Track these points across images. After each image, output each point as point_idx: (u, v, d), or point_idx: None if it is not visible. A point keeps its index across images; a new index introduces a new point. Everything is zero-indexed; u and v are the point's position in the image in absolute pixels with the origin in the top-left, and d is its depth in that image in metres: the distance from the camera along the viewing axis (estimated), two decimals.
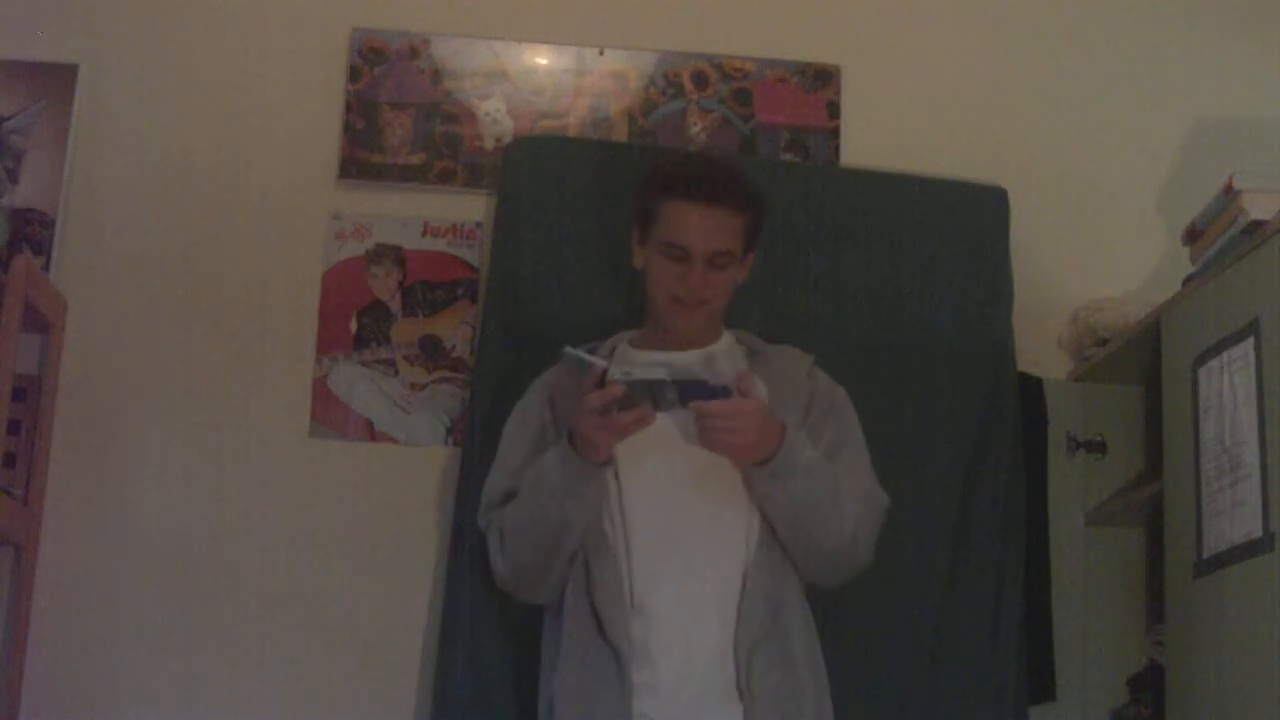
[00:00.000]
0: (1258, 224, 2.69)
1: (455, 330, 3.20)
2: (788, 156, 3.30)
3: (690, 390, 2.41)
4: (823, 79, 3.36)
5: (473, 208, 3.25)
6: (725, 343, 2.71)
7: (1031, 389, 3.19)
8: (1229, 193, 2.77)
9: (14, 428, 2.97)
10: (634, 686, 2.47)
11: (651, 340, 2.70)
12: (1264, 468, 2.50)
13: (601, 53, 3.34)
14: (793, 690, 2.50)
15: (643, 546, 2.52)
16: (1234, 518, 2.56)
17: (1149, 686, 3.00)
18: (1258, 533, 2.50)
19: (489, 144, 3.27)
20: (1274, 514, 2.46)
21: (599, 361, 2.44)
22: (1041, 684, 3.06)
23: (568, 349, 2.46)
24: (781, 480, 2.48)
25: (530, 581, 2.59)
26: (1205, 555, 2.65)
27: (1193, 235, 2.94)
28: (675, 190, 2.60)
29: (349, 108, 3.26)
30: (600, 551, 2.53)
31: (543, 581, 2.57)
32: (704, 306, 2.61)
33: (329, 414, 3.14)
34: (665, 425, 2.48)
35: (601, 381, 2.39)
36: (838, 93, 3.35)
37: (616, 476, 2.54)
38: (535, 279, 3.11)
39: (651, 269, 2.63)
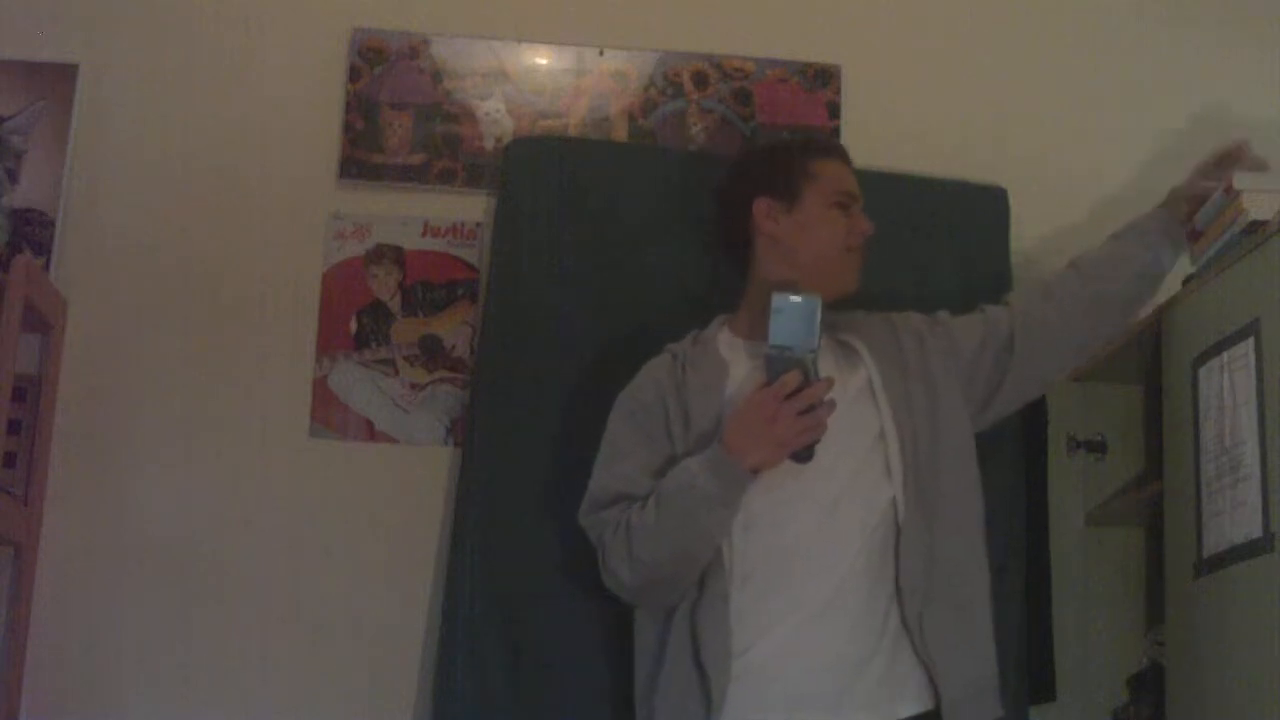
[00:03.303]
0: (1258, 224, 2.69)
1: (455, 330, 3.20)
2: None
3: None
4: (823, 79, 3.36)
5: (473, 208, 3.25)
6: None
7: None
8: (1229, 193, 2.77)
9: (14, 428, 2.97)
10: (724, 711, 2.44)
11: (747, 329, 2.69)
12: (1264, 468, 2.49)
13: (601, 53, 3.34)
14: (970, 638, 2.53)
15: (751, 564, 2.50)
16: (1234, 518, 2.56)
17: (1149, 686, 3.00)
18: (1258, 533, 2.49)
19: (489, 144, 3.27)
20: (1274, 514, 2.46)
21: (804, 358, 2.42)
22: (1041, 684, 3.06)
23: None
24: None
25: (661, 592, 2.55)
26: (1205, 555, 2.64)
27: (1193, 235, 2.94)
28: (825, 151, 2.79)
29: (349, 108, 3.26)
30: (712, 566, 2.50)
31: (673, 592, 2.53)
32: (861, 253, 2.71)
33: (329, 414, 3.14)
34: None
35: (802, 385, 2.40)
36: (838, 93, 3.35)
37: None
38: (535, 279, 3.10)
39: (817, 228, 2.68)
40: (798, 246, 2.68)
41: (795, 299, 2.42)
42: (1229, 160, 2.78)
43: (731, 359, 2.67)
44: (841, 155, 2.79)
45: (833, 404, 2.44)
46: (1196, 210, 2.79)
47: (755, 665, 2.47)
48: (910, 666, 2.49)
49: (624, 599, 2.63)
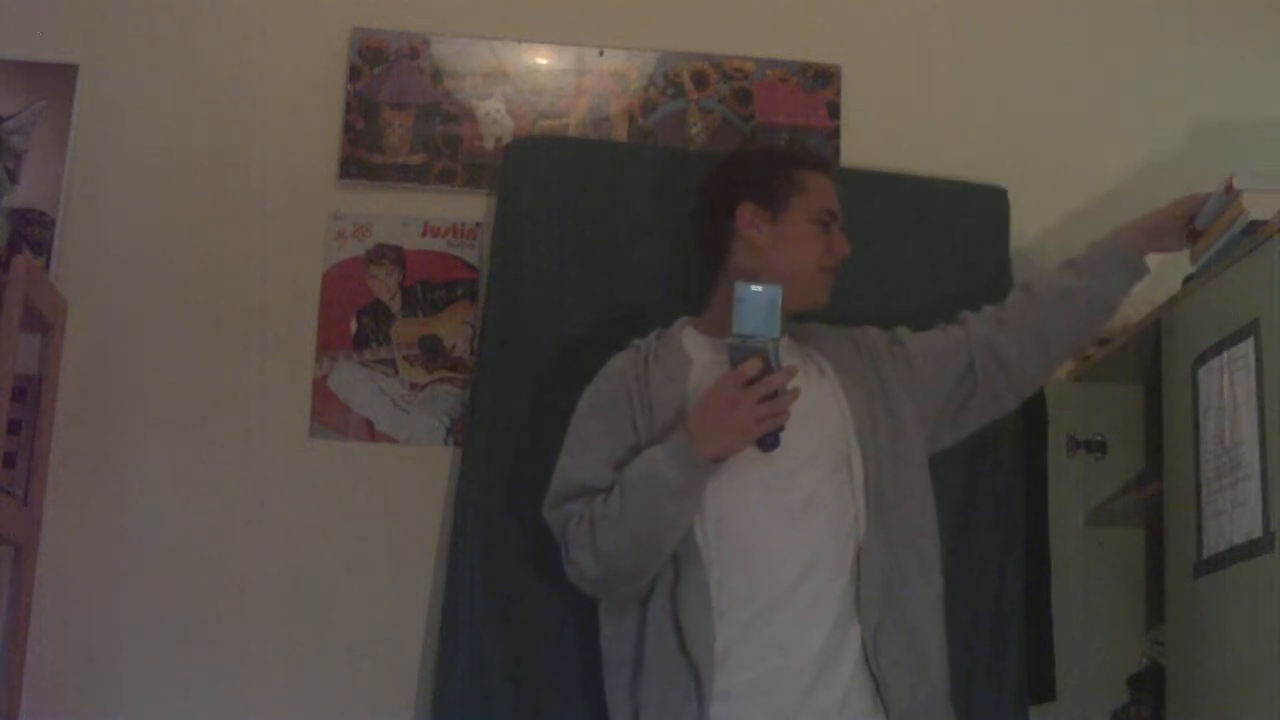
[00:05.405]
0: (1258, 224, 2.69)
1: (455, 330, 3.20)
2: None
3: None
4: (823, 79, 3.36)
5: (473, 208, 3.25)
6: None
7: None
8: (1229, 193, 2.77)
9: (14, 428, 2.97)
10: (712, 697, 2.44)
11: (713, 327, 2.68)
12: (1264, 468, 2.49)
13: (601, 53, 3.34)
14: (918, 658, 2.51)
15: (733, 550, 2.50)
16: (1234, 518, 2.56)
17: (1149, 686, 3.00)
18: (1258, 533, 2.49)
19: (489, 144, 3.27)
20: (1274, 514, 2.46)
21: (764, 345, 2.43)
22: (1041, 684, 3.06)
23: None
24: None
25: (623, 582, 2.55)
26: (1205, 555, 2.64)
27: (1193, 235, 2.94)
28: (816, 165, 2.80)
29: (349, 108, 3.26)
30: (688, 557, 2.50)
31: (636, 582, 2.54)
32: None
33: (329, 414, 3.14)
34: None
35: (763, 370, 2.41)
36: (838, 93, 3.35)
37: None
38: (535, 279, 3.10)
39: (797, 240, 2.69)
40: (775, 257, 2.69)
41: (757, 288, 2.44)
42: (1185, 213, 2.81)
43: (695, 353, 2.68)
44: (830, 171, 2.81)
45: (796, 392, 2.44)
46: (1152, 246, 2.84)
47: (731, 654, 2.47)
48: (864, 683, 2.49)
49: (587, 592, 2.63)
